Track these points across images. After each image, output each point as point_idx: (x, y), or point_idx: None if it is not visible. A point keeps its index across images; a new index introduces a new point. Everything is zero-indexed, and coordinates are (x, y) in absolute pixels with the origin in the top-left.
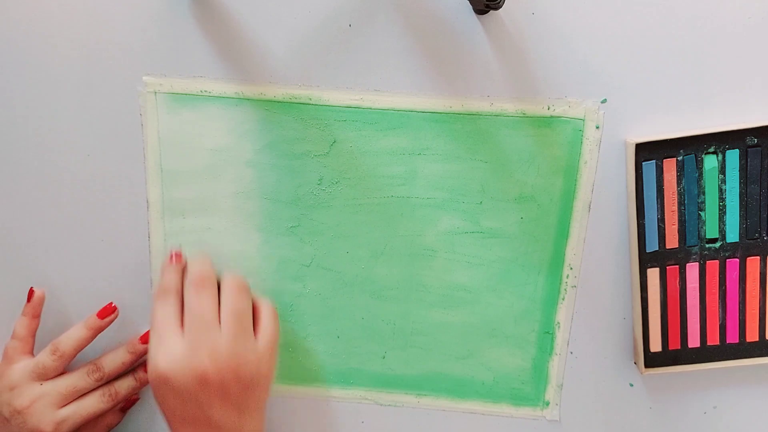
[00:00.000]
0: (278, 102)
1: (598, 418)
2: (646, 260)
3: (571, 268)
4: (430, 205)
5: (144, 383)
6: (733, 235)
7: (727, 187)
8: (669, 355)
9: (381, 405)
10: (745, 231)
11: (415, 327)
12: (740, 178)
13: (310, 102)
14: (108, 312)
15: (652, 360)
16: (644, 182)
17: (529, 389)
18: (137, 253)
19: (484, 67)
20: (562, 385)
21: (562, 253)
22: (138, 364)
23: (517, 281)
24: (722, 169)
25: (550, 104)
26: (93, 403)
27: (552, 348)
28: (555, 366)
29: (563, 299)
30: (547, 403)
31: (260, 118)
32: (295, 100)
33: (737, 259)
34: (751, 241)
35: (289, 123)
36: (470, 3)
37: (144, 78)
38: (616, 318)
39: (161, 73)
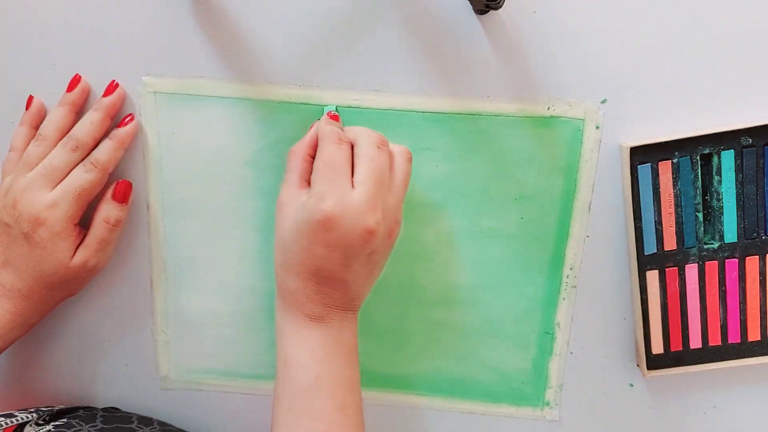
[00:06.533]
0: (278, 102)
1: (598, 418)
2: (645, 263)
3: (571, 268)
4: (430, 205)
5: (123, 142)
6: (731, 236)
7: (724, 187)
8: (671, 357)
9: (381, 405)
10: (743, 231)
11: (414, 327)
12: (736, 179)
13: (310, 102)
14: (75, 83)
15: (654, 362)
16: (640, 185)
17: (529, 389)
18: (137, 253)
19: (484, 67)
20: (562, 386)
21: (562, 253)
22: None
23: (517, 281)
24: (718, 170)
25: (550, 104)
26: (78, 177)
27: (552, 348)
28: (555, 366)
29: (563, 299)
30: (547, 404)
31: (260, 118)
32: (295, 100)
33: (736, 259)
34: (749, 240)
35: (289, 123)
36: (470, 3)
37: (144, 78)
38: (616, 318)
39: (161, 73)
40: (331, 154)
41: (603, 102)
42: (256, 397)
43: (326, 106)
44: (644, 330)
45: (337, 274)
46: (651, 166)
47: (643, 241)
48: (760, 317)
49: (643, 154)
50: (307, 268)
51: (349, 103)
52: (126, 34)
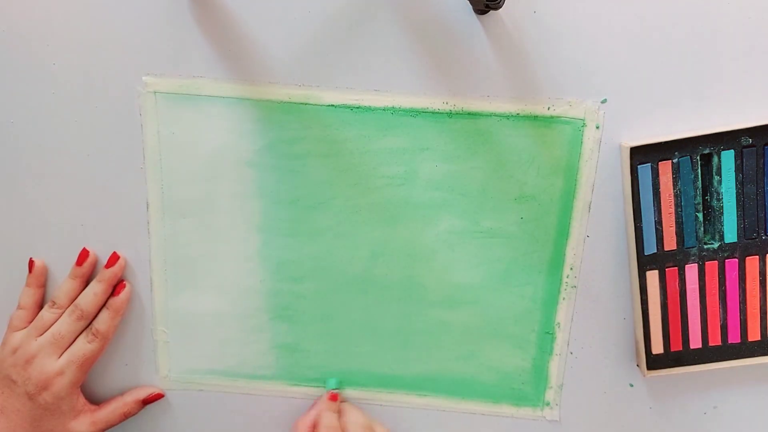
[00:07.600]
0: (278, 102)
1: (598, 418)
2: (644, 263)
3: (571, 268)
4: (430, 205)
5: (118, 311)
6: (731, 236)
7: (724, 187)
8: (671, 357)
9: (381, 405)
10: (743, 231)
11: (415, 327)
12: (736, 179)
13: (310, 102)
14: (83, 257)
15: (654, 362)
16: (640, 185)
17: (530, 389)
18: (137, 253)
19: (484, 67)
20: (562, 386)
21: (562, 253)
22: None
23: (517, 281)
24: (718, 170)
25: (550, 104)
26: (81, 347)
27: (552, 348)
28: (555, 366)
29: (563, 299)
30: (548, 404)
31: (260, 118)
32: (295, 100)
33: (736, 259)
34: (749, 240)
35: (289, 123)
36: (470, 3)
37: (144, 78)
38: (616, 318)
39: (161, 73)
40: None
41: (603, 102)
42: (255, 398)
43: (329, 380)
44: (644, 330)
45: None
46: (651, 166)
47: (643, 241)
48: (760, 317)
49: (643, 154)
50: None
51: (349, 103)
52: (126, 34)
